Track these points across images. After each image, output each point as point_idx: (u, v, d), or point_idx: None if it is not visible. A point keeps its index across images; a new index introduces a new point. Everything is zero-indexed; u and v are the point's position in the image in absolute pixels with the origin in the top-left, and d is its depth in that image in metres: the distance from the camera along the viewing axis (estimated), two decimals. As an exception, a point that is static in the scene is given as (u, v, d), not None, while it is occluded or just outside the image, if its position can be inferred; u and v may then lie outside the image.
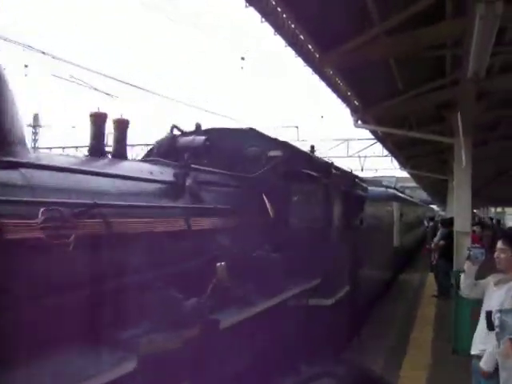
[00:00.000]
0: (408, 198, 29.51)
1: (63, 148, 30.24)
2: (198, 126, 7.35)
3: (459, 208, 10.54)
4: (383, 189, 18.52)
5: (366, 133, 18.14)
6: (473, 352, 5.23)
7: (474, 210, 44.56)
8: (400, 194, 23.37)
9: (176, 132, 7.19)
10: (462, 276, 5.68)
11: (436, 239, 16.33)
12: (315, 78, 9.19)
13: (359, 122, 11.78)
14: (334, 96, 10.69)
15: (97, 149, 4.79)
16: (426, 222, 36.95)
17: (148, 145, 11.91)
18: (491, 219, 37.53)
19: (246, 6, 6.23)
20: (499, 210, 55.78)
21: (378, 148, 25.07)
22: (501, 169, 24.27)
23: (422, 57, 9.02)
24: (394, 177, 46.47)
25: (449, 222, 15.31)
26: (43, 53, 10.26)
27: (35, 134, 42.51)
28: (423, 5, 6.86)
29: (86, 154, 4.91)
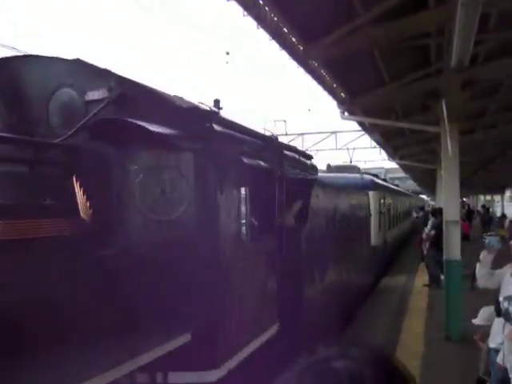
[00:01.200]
0: (393, 186, 26.91)
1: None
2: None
3: (448, 197, 10.56)
4: (356, 175, 16.58)
5: (354, 125, 18.12)
6: (491, 345, 5.14)
7: (464, 199, 44.84)
8: (380, 182, 20.00)
9: None
10: (478, 266, 5.43)
11: (427, 229, 16.38)
12: (301, 71, 9.17)
13: (346, 113, 11.77)
14: (320, 88, 10.67)
15: None
16: (415, 214, 36.77)
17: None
18: (484, 207, 37.68)
19: (228, 0, 6.17)
20: (488, 198, 56.12)
21: (367, 140, 25.08)
22: (488, 157, 24.40)
23: (406, 46, 9.01)
24: (383, 168, 46.66)
25: (439, 212, 15.39)
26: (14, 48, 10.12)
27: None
28: (406, -6, 6.84)
29: None
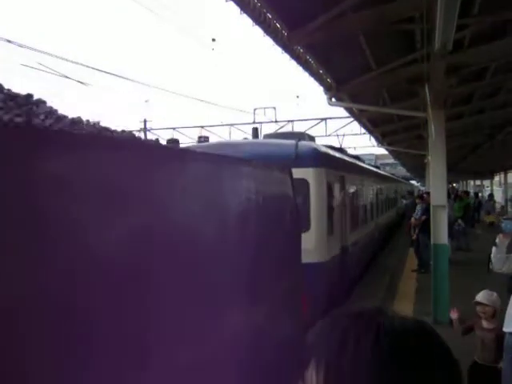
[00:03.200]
0: (366, 166, 20.61)
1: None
2: None
3: (435, 182, 10.62)
4: (284, 142, 10.10)
5: (343, 111, 18.12)
6: (505, 329, 5.12)
7: (454, 184, 45.09)
8: (337, 156, 12.69)
9: None
10: (494, 250, 5.41)
11: (417, 215, 16.43)
12: (287, 58, 9.14)
13: (333, 99, 11.76)
14: (307, 75, 10.65)
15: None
16: (404, 201, 36.13)
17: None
18: (475, 194, 37.91)
19: (210, -15, 6.13)
20: (478, 183, 56.48)
21: (356, 126, 25.12)
22: (477, 142, 24.50)
23: (391, 32, 9.00)
24: (373, 154, 46.77)
25: (427, 196, 15.45)
26: (9, 41, 10.05)
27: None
28: (389, -22, 6.82)
29: None
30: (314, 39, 8.16)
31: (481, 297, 5.44)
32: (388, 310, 1.00)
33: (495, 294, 5.46)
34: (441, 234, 10.35)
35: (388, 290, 13.20)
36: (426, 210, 14.94)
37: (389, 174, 33.44)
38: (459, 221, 19.58)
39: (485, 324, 5.40)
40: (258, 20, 7.21)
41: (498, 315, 5.38)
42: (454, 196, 23.48)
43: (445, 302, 9.84)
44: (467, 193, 28.18)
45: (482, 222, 30.01)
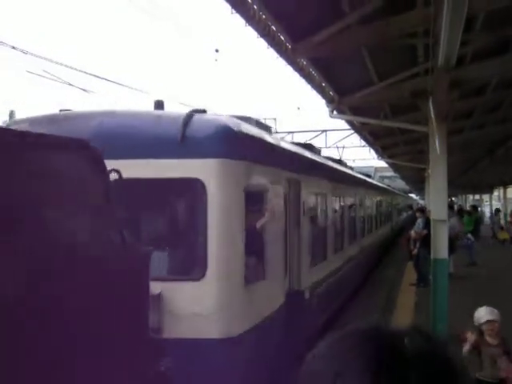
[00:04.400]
0: (351, 173, 16.16)
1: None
2: None
3: (435, 196, 10.60)
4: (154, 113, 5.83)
5: (343, 123, 18.17)
6: None
7: (453, 198, 45.14)
8: (285, 147, 8.30)
9: None
10: None
11: (417, 227, 16.37)
12: (290, 70, 9.19)
13: (335, 112, 11.80)
14: (310, 87, 10.71)
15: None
16: (401, 216, 33.56)
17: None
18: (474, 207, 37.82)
19: (216, -3, 6.16)
20: (477, 197, 56.50)
21: (356, 138, 25.14)
22: (477, 157, 24.56)
23: (394, 46, 9.05)
24: (372, 167, 46.80)
25: (426, 209, 15.46)
26: (13, 47, 10.08)
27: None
28: (393, -6, 6.87)
29: None
30: (318, 52, 8.20)
31: (489, 314, 5.44)
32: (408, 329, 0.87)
33: (496, 310, 5.47)
34: (441, 248, 10.30)
35: (386, 304, 13.16)
36: (427, 224, 14.93)
37: (382, 185, 28.77)
38: (469, 235, 19.57)
39: (490, 340, 5.37)
40: (263, 32, 7.25)
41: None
42: (457, 210, 23.56)
43: (443, 317, 9.79)
44: (476, 208, 27.92)
45: (481, 236, 29.91)
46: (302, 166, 8.44)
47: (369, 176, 22.99)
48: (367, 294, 14.50)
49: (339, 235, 12.15)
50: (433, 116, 9.23)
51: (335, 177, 11.96)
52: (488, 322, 5.40)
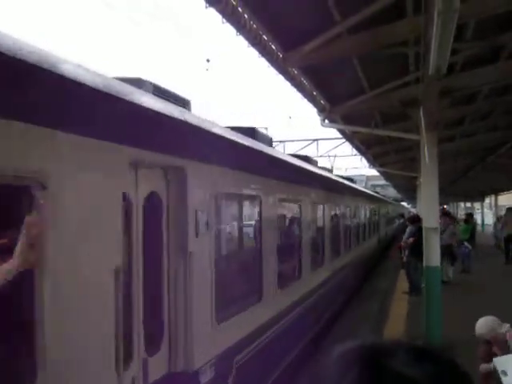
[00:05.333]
0: (321, 172, 12.09)
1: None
2: None
3: (427, 204, 10.60)
4: None
5: (335, 132, 18.17)
6: None
7: (445, 206, 45.30)
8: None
9: None
10: None
11: (405, 237, 16.47)
12: (281, 79, 9.17)
13: (326, 121, 11.80)
14: (301, 96, 10.69)
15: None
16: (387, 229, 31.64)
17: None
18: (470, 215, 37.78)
19: (206, 7, 6.14)
20: (468, 205, 56.77)
21: (348, 147, 25.23)
22: (468, 165, 24.67)
23: (385, 55, 9.07)
24: (364, 175, 46.94)
25: (415, 219, 15.52)
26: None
27: None
28: (384, 3, 6.89)
29: None
30: (309, 61, 8.20)
31: (490, 328, 5.41)
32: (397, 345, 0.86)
33: (492, 318, 5.45)
34: (433, 256, 10.29)
35: (379, 313, 13.12)
36: (414, 233, 15.02)
37: (366, 190, 24.55)
38: (466, 243, 19.61)
39: (496, 350, 5.35)
40: (254, 41, 7.23)
41: None
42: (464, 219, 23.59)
43: (437, 326, 9.76)
44: (472, 215, 27.55)
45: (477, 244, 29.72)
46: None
47: (351, 180, 19.10)
48: (360, 304, 14.45)
49: (284, 264, 7.86)
50: (423, 124, 9.25)
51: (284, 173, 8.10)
52: (497, 333, 5.39)
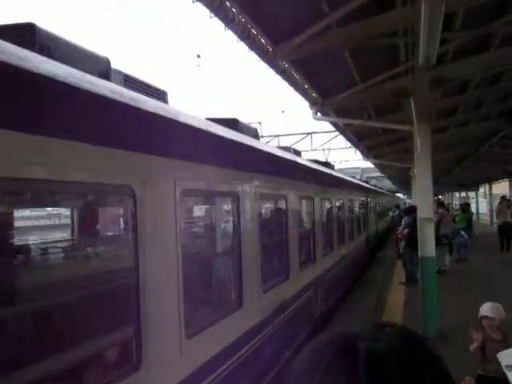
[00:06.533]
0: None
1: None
2: None
3: (421, 195, 10.62)
4: None
5: (328, 126, 18.14)
6: None
7: (440, 196, 45.39)
8: None
9: None
10: None
11: (400, 228, 16.57)
12: (272, 73, 9.14)
13: (318, 114, 11.79)
14: (293, 90, 10.67)
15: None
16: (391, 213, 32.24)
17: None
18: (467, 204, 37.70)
19: (193, 2, 6.11)
20: (463, 194, 56.90)
21: (342, 140, 25.21)
22: (462, 154, 24.71)
23: (375, 46, 9.06)
24: (359, 168, 47.02)
25: (411, 210, 15.56)
26: None
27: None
28: (372, -6, 6.88)
29: None
30: (299, 54, 8.18)
31: (488, 311, 5.45)
32: (375, 330, 0.90)
33: (500, 306, 5.48)
34: (428, 246, 10.32)
35: (376, 304, 13.15)
36: (410, 224, 15.10)
37: (351, 179, 19.42)
38: (462, 232, 19.75)
39: (493, 336, 5.39)
40: (243, 36, 7.20)
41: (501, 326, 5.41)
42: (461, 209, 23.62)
43: (433, 316, 9.80)
44: (469, 205, 27.51)
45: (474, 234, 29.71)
46: None
47: (327, 165, 15.04)
48: (357, 295, 14.48)
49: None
50: (415, 115, 9.25)
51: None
52: (486, 317, 5.42)
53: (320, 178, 11.43)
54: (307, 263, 9.45)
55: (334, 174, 14.71)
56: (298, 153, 11.27)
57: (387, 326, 0.93)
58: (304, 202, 9.96)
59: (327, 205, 12.12)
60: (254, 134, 7.67)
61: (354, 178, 22.08)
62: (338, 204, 13.46)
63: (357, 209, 18.07)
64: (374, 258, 22.38)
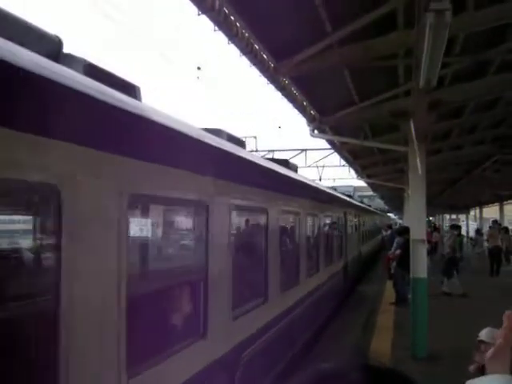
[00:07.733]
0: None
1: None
2: None
3: (414, 216, 10.65)
4: None
5: (323, 143, 18.23)
6: None
7: (431, 218, 45.58)
8: None
9: None
10: None
11: (393, 248, 16.64)
12: (272, 88, 9.20)
13: (315, 131, 11.85)
14: (291, 106, 10.73)
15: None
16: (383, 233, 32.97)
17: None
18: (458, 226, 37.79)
19: (199, 15, 6.16)
20: (454, 217, 57.16)
21: (336, 158, 25.31)
22: (454, 177, 24.87)
23: (375, 67, 9.14)
24: (351, 186, 47.20)
25: (404, 231, 15.62)
26: None
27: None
28: (375, 15, 6.95)
29: None
30: (300, 71, 8.25)
31: (485, 335, 5.47)
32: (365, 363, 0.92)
33: (498, 331, 5.49)
34: (420, 267, 10.33)
35: (366, 324, 13.12)
36: (402, 244, 15.18)
37: (336, 194, 16.12)
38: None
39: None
40: (246, 50, 7.26)
41: None
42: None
43: (423, 337, 9.78)
44: (460, 228, 27.38)
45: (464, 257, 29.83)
46: None
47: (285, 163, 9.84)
48: (347, 313, 14.44)
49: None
50: (413, 136, 9.32)
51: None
52: (483, 342, 5.43)
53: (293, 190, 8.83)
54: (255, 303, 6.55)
55: (315, 185, 11.81)
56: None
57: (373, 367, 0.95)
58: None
59: (281, 222, 7.87)
60: (238, 142, 6.68)
61: (334, 189, 17.39)
62: (295, 221, 9.32)
63: (328, 228, 13.28)
64: (353, 290, 17.85)
